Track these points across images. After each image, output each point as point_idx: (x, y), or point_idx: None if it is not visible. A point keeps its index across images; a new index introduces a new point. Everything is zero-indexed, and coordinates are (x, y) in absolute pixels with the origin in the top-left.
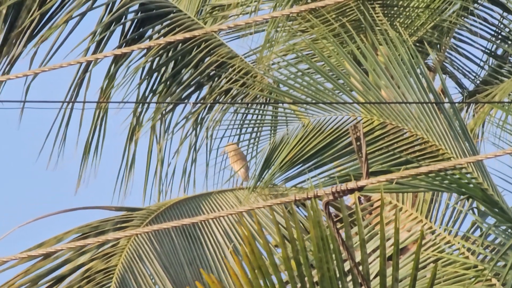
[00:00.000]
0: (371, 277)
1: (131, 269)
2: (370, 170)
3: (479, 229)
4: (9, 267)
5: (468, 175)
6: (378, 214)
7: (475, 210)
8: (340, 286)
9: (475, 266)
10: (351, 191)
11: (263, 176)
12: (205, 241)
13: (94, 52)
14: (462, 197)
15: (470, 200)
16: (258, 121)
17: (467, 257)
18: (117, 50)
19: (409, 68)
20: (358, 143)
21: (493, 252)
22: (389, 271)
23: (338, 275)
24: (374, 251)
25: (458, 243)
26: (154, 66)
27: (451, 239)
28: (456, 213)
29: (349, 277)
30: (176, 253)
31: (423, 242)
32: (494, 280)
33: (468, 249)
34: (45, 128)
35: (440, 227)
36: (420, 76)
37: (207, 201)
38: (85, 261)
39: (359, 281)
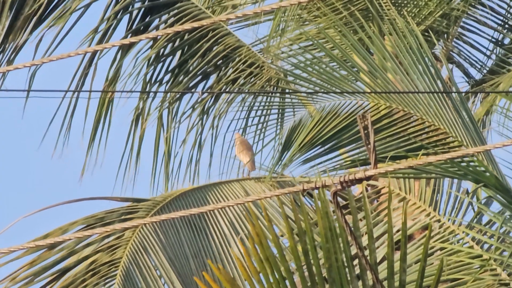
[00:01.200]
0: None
1: (136, 261)
2: (388, 154)
3: (482, 219)
4: (15, 258)
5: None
6: (383, 202)
7: (481, 201)
8: (348, 275)
9: (480, 256)
10: (359, 180)
11: (283, 158)
12: (210, 232)
13: (101, 42)
14: (465, 187)
15: (473, 189)
16: (266, 106)
17: (471, 247)
18: (125, 40)
19: (418, 57)
20: (366, 132)
21: (498, 241)
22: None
23: (346, 265)
24: (377, 239)
25: (463, 232)
26: (161, 56)
27: (456, 228)
28: (459, 203)
29: (357, 267)
30: (181, 245)
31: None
32: (499, 270)
33: (473, 239)
34: (50, 118)
35: (444, 217)
36: (429, 64)
37: (213, 192)
38: (90, 253)
39: (367, 270)
